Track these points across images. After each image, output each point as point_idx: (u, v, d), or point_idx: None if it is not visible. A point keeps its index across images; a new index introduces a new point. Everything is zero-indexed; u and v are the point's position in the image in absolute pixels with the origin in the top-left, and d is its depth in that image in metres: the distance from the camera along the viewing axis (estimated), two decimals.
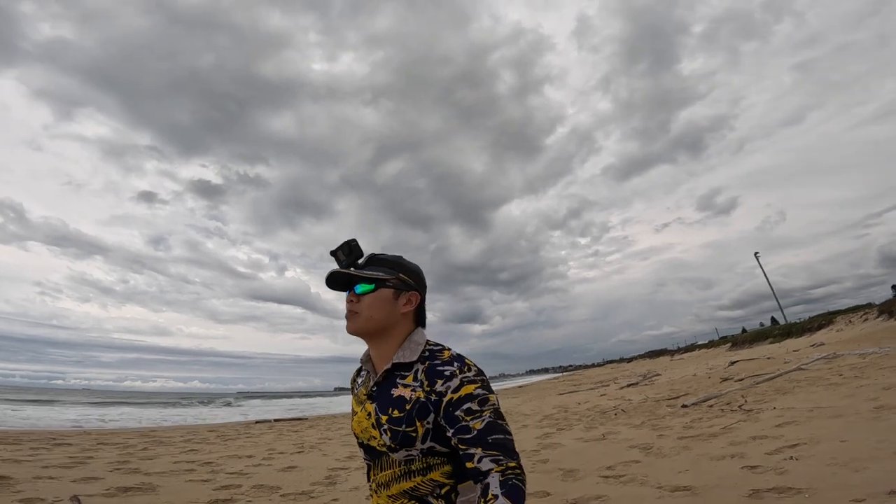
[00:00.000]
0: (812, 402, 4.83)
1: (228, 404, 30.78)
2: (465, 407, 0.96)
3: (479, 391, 0.98)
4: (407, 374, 1.06)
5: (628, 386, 12.98)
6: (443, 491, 1.00)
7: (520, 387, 38.30)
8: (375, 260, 1.13)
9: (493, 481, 0.89)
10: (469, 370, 1.02)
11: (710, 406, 6.00)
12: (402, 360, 1.07)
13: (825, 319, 23.92)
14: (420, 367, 1.06)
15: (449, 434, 0.98)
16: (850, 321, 21.68)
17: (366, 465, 1.15)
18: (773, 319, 52.24)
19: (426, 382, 1.02)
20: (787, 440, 3.50)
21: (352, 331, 1.10)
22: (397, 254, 1.19)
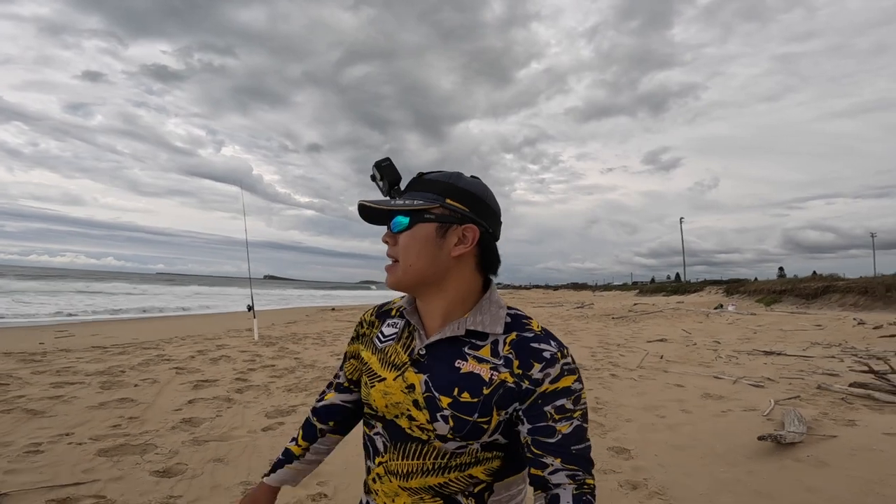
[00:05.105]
0: (656, 323, 14.01)
1: None
2: (558, 403, 0.72)
3: (577, 385, 0.74)
4: (481, 343, 0.75)
5: (579, 307, 22.61)
6: (476, 489, 0.77)
7: None
8: (420, 182, 0.78)
9: (566, 494, 0.69)
10: (568, 354, 0.75)
11: (623, 318, 15.21)
12: (479, 329, 0.75)
13: (699, 286, 36.04)
14: (502, 338, 0.75)
15: (521, 429, 0.73)
16: (710, 291, 33.25)
17: (369, 438, 0.83)
18: (678, 275, 66.66)
19: (517, 363, 0.73)
20: (640, 329, 12.39)
21: (391, 285, 0.77)
22: (450, 170, 0.80)
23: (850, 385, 4.43)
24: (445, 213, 0.74)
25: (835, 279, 25.95)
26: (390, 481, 0.79)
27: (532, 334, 0.75)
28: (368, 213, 0.78)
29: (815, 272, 36.40)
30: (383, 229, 0.80)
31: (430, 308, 0.79)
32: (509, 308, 0.79)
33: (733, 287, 31.45)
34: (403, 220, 0.75)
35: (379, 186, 0.82)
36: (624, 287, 63.85)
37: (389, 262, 0.78)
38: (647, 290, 44.68)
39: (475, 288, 0.79)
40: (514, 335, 0.75)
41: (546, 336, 0.76)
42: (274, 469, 0.96)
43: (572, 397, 0.73)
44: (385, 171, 0.80)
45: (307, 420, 0.99)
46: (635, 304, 23.51)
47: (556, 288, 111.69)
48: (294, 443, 0.98)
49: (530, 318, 0.79)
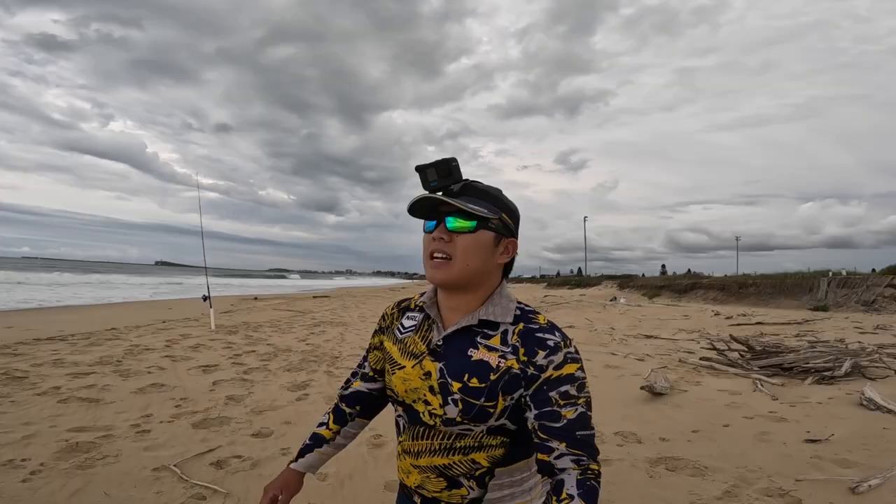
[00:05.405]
0: (564, 312, 16.20)
1: None
2: (562, 389, 0.79)
3: (580, 374, 0.82)
4: (493, 333, 0.85)
5: None
6: (477, 473, 0.86)
7: (391, 289, 47.53)
8: (473, 190, 0.86)
9: (570, 479, 0.75)
10: (571, 344, 0.84)
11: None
12: (491, 318, 0.85)
13: (598, 281, 41.00)
14: (511, 328, 0.85)
15: (528, 415, 0.81)
16: (607, 285, 38.07)
17: (395, 419, 0.97)
18: (580, 270, 73.17)
19: (522, 350, 0.82)
20: (552, 318, 14.54)
21: (441, 281, 0.85)
22: (495, 185, 0.89)
23: (700, 359, 6.34)
24: (501, 225, 0.85)
25: (700, 277, 31.24)
26: (405, 459, 0.92)
27: (538, 326, 0.84)
28: (424, 207, 0.85)
29: (689, 270, 42.87)
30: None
31: (456, 303, 0.88)
32: (518, 302, 0.89)
33: (625, 282, 36.54)
34: (470, 224, 0.82)
35: (427, 180, 0.84)
36: (533, 280, 69.11)
37: (441, 256, 0.83)
38: (554, 283, 49.52)
39: (496, 288, 0.89)
40: (521, 325, 0.84)
41: (551, 328, 0.84)
42: (302, 454, 1.04)
43: (576, 384, 0.79)
44: (453, 172, 0.83)
45: (336, 406, 1.08)
46: (546, 297, 26.36)
47: None
48: (324, 427, 1.06)
49: (537, 313, 0.88)
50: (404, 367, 0.90)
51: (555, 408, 0.79)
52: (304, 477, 1.03)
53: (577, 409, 0.79)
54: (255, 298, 20.87)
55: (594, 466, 0.78)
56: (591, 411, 0.82)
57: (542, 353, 0.81)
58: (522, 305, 0.90)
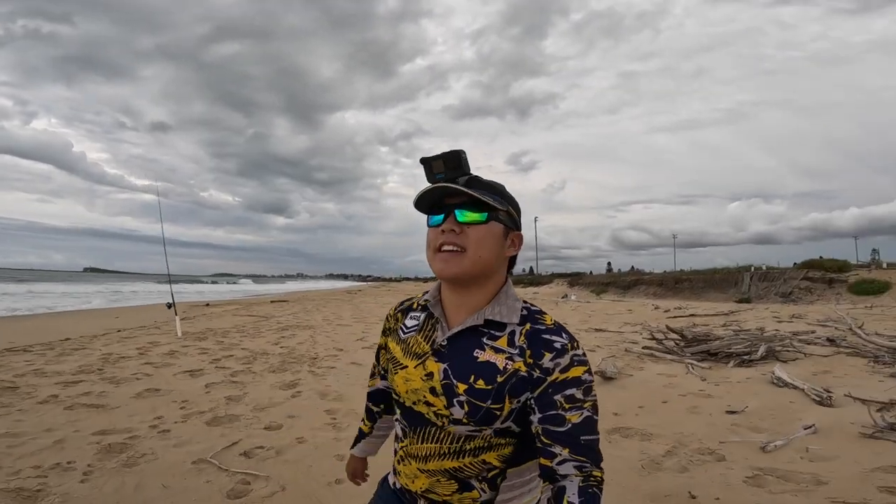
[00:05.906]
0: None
1: None
2: (568, 393, 0.78)
3: (587, 377, 0.81)
4: (499, 334, 0.84)
5: None
6: (490, 474, 0.85)
7: (348, 291, 47.21)
8: (479, 183, 0.85)
9: (571, 486, 0.74)
10: (578, 346, 0.82)
11: None
12: (497, 319, 0.84)
13: (549, 279, 42.98)
14: (518, 329, 0.84)
15: (532, 418, 0.81)
16: (558, 283, 39.92)
17: (396, 422, 0.97)
18: (532, 269, 75.41)
19: (529, 352, 0.81)
20: None
21: (453, 274, 0.83)
22: (496, 180, 0.87)
23: (643, 348, 7.22)
24: (508, 218, 0.86)
25: (642, 274, 33.60)
26: (410, 464, 0.90)
27: (545, 327, 0.83)
28: (430, 199, 0.85)
29: (633, 267, 45.64)
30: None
31: (463, 300, 0.87)
32: (524, 302, 0.88)
33: (575, 280, 38.67)
34: (481, 216, 0.82)
35: (433, 172, 0.84)
36: None
37: (452, 248, 0.82)
38: None
39: (502, 285, 0.89)
40: (528, 326, 0.84)
41: (558, 329, 0.83)
42: (356, 442, 1.21)
43: (582, 388, 0.79)
44: (463, 165, 0.82)
45: (366, 405, 1.20)
46: None
47: (426, 280, 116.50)
48: (362, 423, 1.21)
49: (544, 313, 0.87)
50: (406, 366, 0.90)
51: (559, 412, 0.78)
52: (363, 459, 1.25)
53: (582, 413, 0.78)
54: (207, 305, 20.28)
55: (597, 473, 0.76)
56: (597, 415, 0.80)
57: (548, 356, 0.80)
58: (528, 305, 0.89)
